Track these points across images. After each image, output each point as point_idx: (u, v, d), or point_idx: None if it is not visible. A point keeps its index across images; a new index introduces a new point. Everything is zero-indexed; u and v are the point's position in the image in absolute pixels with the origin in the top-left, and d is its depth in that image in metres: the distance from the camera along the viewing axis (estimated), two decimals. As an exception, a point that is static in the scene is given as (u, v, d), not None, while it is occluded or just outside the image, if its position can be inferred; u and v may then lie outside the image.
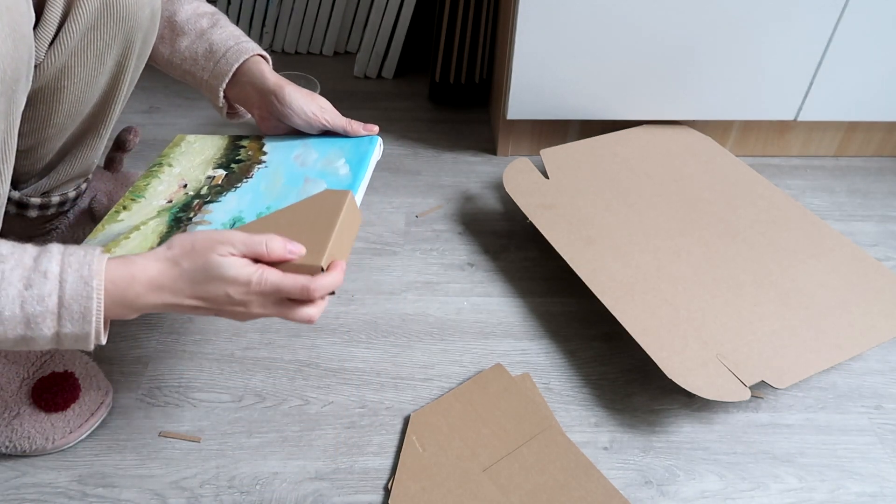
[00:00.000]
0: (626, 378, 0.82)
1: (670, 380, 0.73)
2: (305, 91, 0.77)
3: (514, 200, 0.95)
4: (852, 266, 0.87)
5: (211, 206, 0.69)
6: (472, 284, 0.93)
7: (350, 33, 1.38)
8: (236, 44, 0.76)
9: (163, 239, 0.66)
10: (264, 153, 0.75)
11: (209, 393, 0.79)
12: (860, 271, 0.86)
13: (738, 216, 0.94)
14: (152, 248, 0.61)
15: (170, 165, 0.76)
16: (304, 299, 0.57)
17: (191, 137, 0.82)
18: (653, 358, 0.74)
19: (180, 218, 0.69)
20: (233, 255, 0.55)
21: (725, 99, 1.07)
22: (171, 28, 0.77)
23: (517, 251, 0.99)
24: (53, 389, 0.72)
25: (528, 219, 0.93)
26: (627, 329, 0.77)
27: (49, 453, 0.73)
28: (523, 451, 0.73)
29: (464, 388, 0.79)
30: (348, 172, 0.69)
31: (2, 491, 0.69)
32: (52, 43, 0.66)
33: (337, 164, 0.70)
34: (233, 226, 0.65)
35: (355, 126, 0.76)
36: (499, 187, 1.10)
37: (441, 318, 0.89)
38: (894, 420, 0.79)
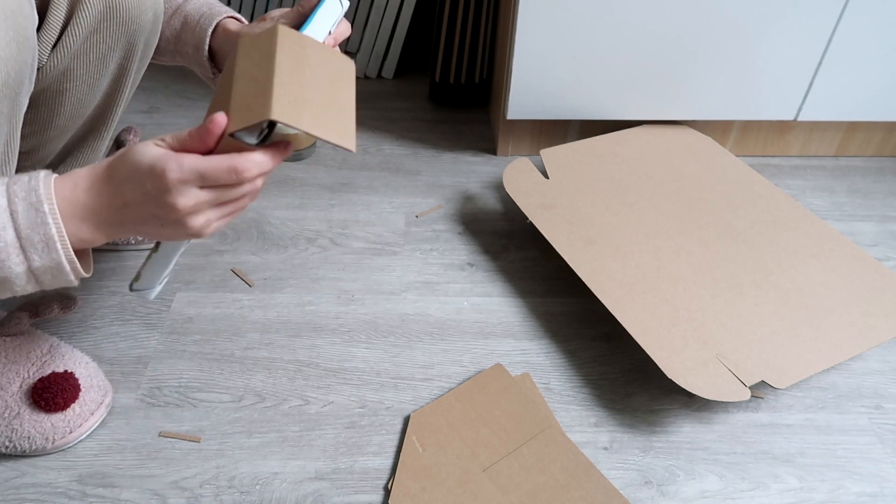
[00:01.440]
0: (626, 378, 0.82)
1: (670, 380, 0.73)
2: (260, 22, 0.72)
3: (514, 200, 0.95)
4: (852, 266, 0.87)
5: None
6: (472, 284, 0.93)
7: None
8: (209, 10, 0.73)
9: None
10: None
11: (209, 393, 0.79)
12: (860, 271, 0.86)
13: (738, 216, 0.94)
14: None
15: None
16: (235, 183, 0.50)
17: None
18: (653, 358, 0.74)
19: None
20: (154, 143, 0.50)
21: (725, 99, 1.07)
22: None
23: (517, 251, 0.99)
24: (53, 389, 0.71)
25: (528, 219, 0.93)
26: (627, 329, 0.77)
27: (49, 453, 0.73)
28: (523, 451, 0.73)
29: (464, 388, 0.79)
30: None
31: (2, 491, 0.69)
32: (54, 46, 0.66)
33: None
34: None
35: None
36: (499, 187, 1.10)
37: (441, 318, 0.89)
38: (894, 420, 0.79)
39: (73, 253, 0.51)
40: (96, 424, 0.75)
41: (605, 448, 0.75)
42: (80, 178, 0.51)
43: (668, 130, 1.10)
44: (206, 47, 0.73)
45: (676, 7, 0.96)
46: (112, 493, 0.70)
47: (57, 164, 0.81)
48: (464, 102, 1.26)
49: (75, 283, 0.52)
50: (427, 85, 1.32)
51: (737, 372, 0.73)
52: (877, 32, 1.00)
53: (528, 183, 0.98)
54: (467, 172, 1.12)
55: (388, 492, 0.70)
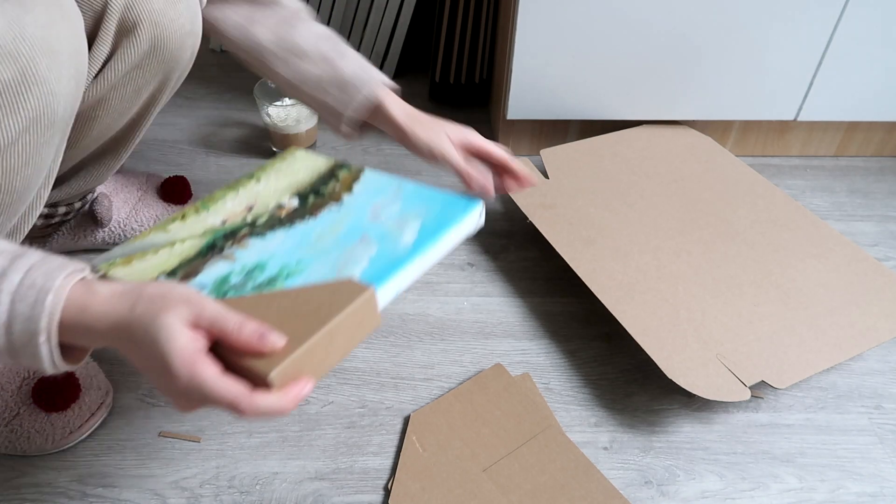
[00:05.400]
0: (626, 378, 0.82)
1: (670, 380, 0.73)
2: (434, 126, 0.75)
3: (514, 200, 0.95)
4: (852, 266, 0.87)
5: (251, 240, 0.62)
6: (472, 284, 0.93)
7: (350, 33, 1.38)
8: (368, 78, 0.75)
9: (181, 264, 0.60)
10: (350, 190, 0.67)
11: (209, 393, 0.79)
12: (860, 271, 0.86)
13: (738, 216, 0.94)
14: (163, 273, 0.59)
15: (257, 181, 0.70)
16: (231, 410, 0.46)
17: (301, 154, 0.75)
18: (653, 358, 0.74)
19: (216, 245, 0.62)
20: (189, 322, 0.46)
21: (725, 99, 1.07)
22: (291, 50, 0.75)
23: (517, 251, 0.99)
24: (53, 389, 0.72)
25: (528, 219, 0.93)
26: (627, 329, 0.77)
27: (49, 453, 0.73)
28: (523, 451, 0.73)
29: (464, 388, 0.79)
30: (410, 243, 0.58)
31: (2, 491, 0.69)
32: (95, 76, 0.67)
33: (408, 225, 0.60)
34: (250, 273, 0.57)
35: (473, 177, 0.73)
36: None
37: (441, 318, 0.89)
38: (894, 420, 0.79)
39: (57, 356, 0.47)
40: (96, 424, 0.75)
41: (605, 448, 0.75)
42: (96, 304, 0.46)
43: (668, 130, 1.10)
44: (360, 118, 0.77)
45: (676, 7, 0.96)
46: (112, 493, 0.70)
47: (69, 177, 0.82)
48: (464, 102, 1.26)
49: (48, 372, 0.48)
50: (427, 85, 1.32)
51: (737, 372, 0.73)
52: (877, 32, 1.00)
53: None
54: (467, 172, 1.12)
55: (388, 492, 0.70)
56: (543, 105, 1.06)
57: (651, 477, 0.73)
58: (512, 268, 0.96)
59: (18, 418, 0.71)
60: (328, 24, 1.37)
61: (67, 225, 0.90)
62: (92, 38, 0.65)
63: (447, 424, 0.75)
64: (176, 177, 0.97)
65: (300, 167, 0.73)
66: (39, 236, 0.89)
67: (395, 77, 1.34)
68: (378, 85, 0.75)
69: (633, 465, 0.74)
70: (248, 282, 0.56)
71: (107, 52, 0.66)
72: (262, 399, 0.45)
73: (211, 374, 0.45)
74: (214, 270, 0.58)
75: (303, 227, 0.62)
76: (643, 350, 0.76)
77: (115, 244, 0.94)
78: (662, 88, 1.05)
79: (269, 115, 1.07)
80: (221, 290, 0.56)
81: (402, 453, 0.73)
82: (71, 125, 0.60)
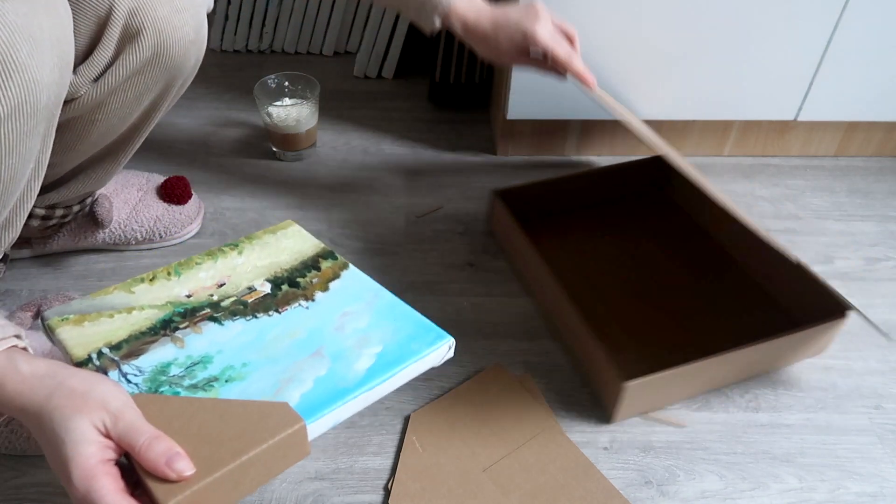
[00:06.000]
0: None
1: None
2: (494, 42, 0.82)
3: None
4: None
5: (208, 325, 0.61)
6: (472, 284, 0.93)
7: (350, 33, 1.38)
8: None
9: (129, 338, 0.59)
10: (326, 289, 0.66)
11: (209, 393, 0.79)
12: None
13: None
14: (109, 345, 0.58)
15: (239, 253, 0.71)
16: None
17: (293, 230, 0.75)
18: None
19: (172, 322, 0.61)
20: (101, 430, 0.45)
21: (725, 99, 1.07)
22: None
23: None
24: (53, 390, 0.71)
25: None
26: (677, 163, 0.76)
27: (49, 453, 0.72)
28: (523, 451, 0.73)
29: (464, 388, 0.79)
30: (361, 373, 0.57)
31: (2, 491, 0.69)
32: (96, 79, 0.67)
33: (368, 349, 0.59)
34: (192, 367, 0.56)
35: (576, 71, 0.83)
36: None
37: (441, 318, 0.89)
38: (894, 420, 0.79)
39: None
40: (96, 425, 0.74)
41: (605, 448, 0.75)
42: (11, 382, 0.47)
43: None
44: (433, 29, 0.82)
45: (676, 7, 0.96)
46: (112, 493, 0.70)
47: (68, 180, 0.82)
48: (464, 102, 1.26)
49: None
50: (427, 85, 1.32)
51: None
52: (877, 32, 0.99)
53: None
54: (467, 172, 1.12)
55: (388, 492, 0.70)
56: (543, 105, 1.06)
57: (651, 477, 0.73)
58: (512, 268, 0.96)
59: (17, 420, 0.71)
60: (328, 24, 1.37)
61: (68, 227, 0.90)
62: (94, 43, 0.65)
63: (447, 424, 0.75)
64: (176, 177, 0.97)
65: (287, 246, 0.72)
66: (39, 238, 0.90)
67: (395, 77, 1.34)
68: (444, 9, 0.80)
69: (633, 465, 0.74)
70: (187, 377, 0.55)
71: (108, 57, 0.66)
72: None
73: (108, 491, 0.43)
74: (158, 355, 0.57)
75: (263, 323, 0.62)
76: (643, 350, 0.76)
77: (115, 245, 0.94)
78: (662, 88, 1.05)
79: (269, 115, 1.07)
80: (158, 380, 0.55)
81: (401, 453, 0.73)
82: (58, 115, 0.60)
